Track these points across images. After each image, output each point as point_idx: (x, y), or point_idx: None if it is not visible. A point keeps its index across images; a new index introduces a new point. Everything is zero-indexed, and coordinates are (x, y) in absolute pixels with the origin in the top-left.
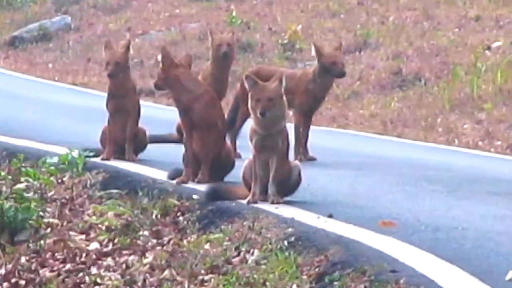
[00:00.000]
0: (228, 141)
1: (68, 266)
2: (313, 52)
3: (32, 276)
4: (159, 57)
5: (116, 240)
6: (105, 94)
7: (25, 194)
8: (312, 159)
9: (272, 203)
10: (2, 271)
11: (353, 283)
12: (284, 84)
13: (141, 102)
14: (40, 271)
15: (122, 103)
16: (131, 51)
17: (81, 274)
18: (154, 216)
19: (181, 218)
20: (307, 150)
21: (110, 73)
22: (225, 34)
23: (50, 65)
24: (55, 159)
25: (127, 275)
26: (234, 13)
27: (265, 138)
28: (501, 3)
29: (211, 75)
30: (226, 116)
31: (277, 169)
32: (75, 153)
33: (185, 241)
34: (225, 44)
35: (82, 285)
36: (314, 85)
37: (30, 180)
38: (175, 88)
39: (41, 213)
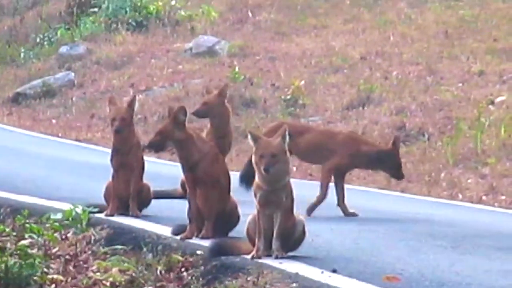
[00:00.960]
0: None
1: None
2: (392, 144)
3: None
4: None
5: None
6: (109, 150)
7: (30, 251)
8: (354, 215)
9: (276, 258)
10: None
11: None
12: (287, 139)
13: (145, 157)
14: None
15: (127, 159)
16: (136, 106)
17: None
18: (158, 272)
19: (185, 273)
20: (346, 206)
21: (117, 129)
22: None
23: (53, 121)
24: (59, 215)
25: None
26: (237, 69)
27: (269, 194)
28: (505, 58)
29: (212, 132)
30: (242, 168)
31: (281, 224)
32: (79, 209)
33: None
34: (201, 104)
35: None
36: (367, 161)
37: (34, 236)
38: (186, 147)
39: (45, 270)
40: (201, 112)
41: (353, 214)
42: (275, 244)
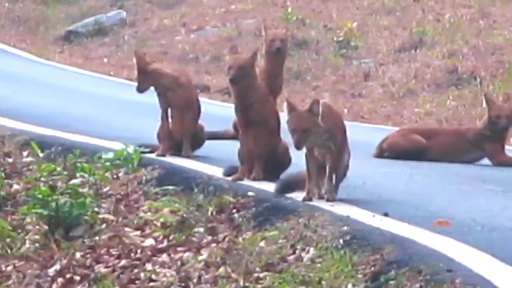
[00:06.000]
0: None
1: (123, 262)
2: (484, 103)
3: (87, 271)
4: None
5: (171, 237)
6: None
7: (80, 190)
8: None
9: (328, 200)
10: (57, 266)
11: (408, 282)
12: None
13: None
14: (95, 267)
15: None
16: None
17: (136, 270)
18: (209, 213)
19: (236, 215)
20: None
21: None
22: (279, 29)
23: (105, 59)
24: (110, 155)
25: (182, 271)
26: (289, 9)
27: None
28: None
29: (265, 71)
30: None
31: (332, 165)
32: (130, 149)
33: (240, 238)
34: (278, 40)
35: (137, 281)
36: (484, 138)
37: (85, 175)
38: (251, 85)
39: (96, 209)
40: (282, 49)
41: None
42: (327, 186)
